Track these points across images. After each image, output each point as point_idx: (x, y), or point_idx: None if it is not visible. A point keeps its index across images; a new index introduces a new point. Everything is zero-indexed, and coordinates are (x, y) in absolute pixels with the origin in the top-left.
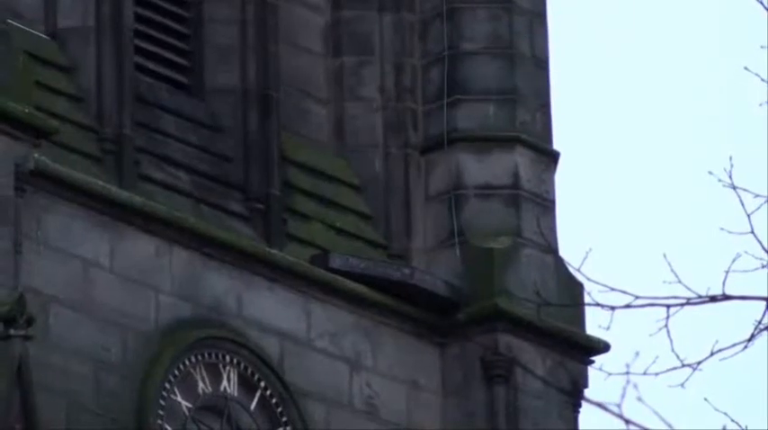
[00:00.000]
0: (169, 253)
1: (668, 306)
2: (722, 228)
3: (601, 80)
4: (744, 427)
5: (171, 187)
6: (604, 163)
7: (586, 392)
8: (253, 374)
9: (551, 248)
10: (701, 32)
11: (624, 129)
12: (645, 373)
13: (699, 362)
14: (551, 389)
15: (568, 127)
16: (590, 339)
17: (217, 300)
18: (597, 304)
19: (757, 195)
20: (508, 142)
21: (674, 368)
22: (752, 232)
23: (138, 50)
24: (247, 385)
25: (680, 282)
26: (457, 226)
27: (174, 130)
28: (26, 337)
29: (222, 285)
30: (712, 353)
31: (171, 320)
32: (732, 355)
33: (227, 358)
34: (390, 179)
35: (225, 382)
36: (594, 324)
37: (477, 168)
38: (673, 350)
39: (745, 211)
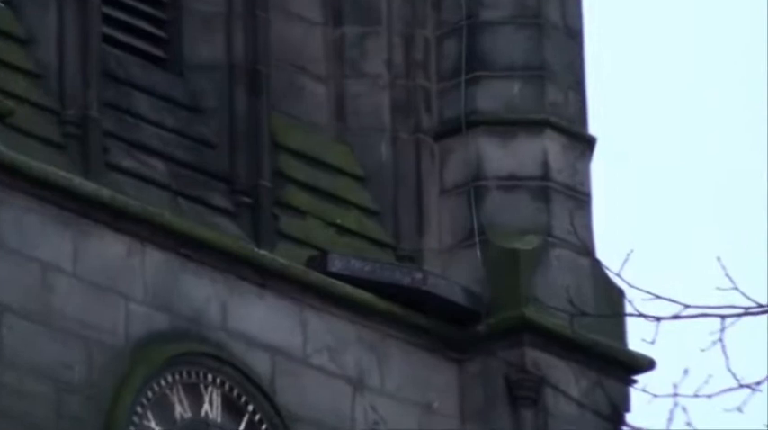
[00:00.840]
0: (142, 254)
1: (723, 316)
2: None
3: (644, 54)
4: None
5: (144, 178)
6: (648, 150)
7: (628, 417)
8: (239, 396)
9: (587, 249)
10: (756, 4)
11: (671, 112)
12: (696, 395)
13: (758, 382)
14: (587, 413)
15: (606, 108)
16: (632, 355)
17: (197, 309)
18: (640, 314)
19: None
20: (536, 126)
21: (730, 389)
22: None
23: (107, 19)
24: (232, 408)
25: (736, 288)
26: (477, 223)
27: (147, 112)
28: None
29: (203, 292)
30: None
31: (144, 333)
32: None
33: (209, 377)
34: (399, 168)
35: (206, 405)
36: (637, 337)
37: (501, 156)
38: (728, 368)
39: None
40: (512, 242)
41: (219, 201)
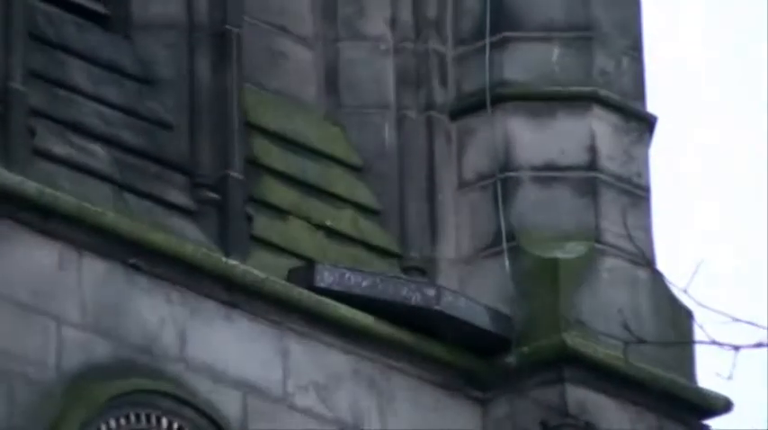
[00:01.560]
0: (78, 264)
1: None
2: None
3: (718, 11)
4: None
5: (81, 168)
6: (722, 133)
7: None
8: None
9: (645, 259)
10: None
11: (749, 84)
12: None
13: None
14: None
15: (669, 80)
16: (703, 394)
17: (149, 334)
18: (714, 342)
19: None
20: (581, 101)
21: None
22: None
23: None
24: None
25: None
26: (505, 225)
27: (85, 84)
28: None
29: (157, 313)
30: None
31: (80, 366)
32: None
33: (164, 422)
34: (406, 156)
35: None
36: (710, 371)
37: (535, 140)
38: None
39: None
40: (550, 250)
41: (177, 197)
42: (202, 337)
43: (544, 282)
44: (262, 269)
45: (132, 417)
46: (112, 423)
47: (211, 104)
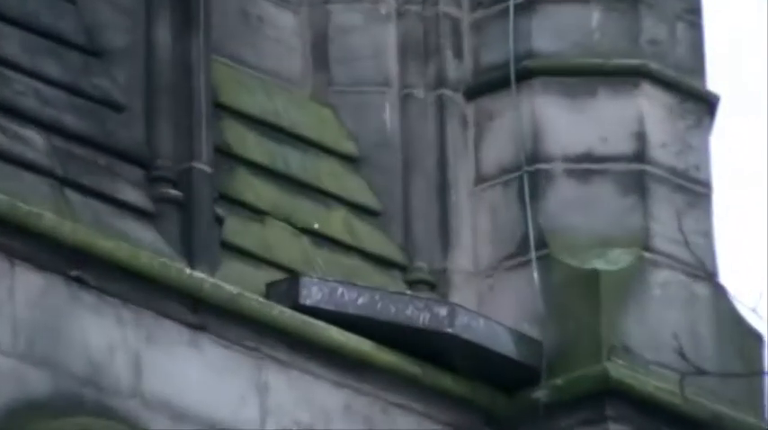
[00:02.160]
0: (10, 278)
1: None
2: None
3: None
4: None
5: (14, 159)
6: None
7: None
8: None
9: (706, 271)
10: None
11: None
12: None
13: None
14: None
15: (735, 52)
16: None
17: (96, 363)
18: None
19: None
20: (626, 77)
21: None
22: None
23: None
24: None
25: None
26: (534, 229)
27: (20, 56)
28: None
29: (106, 337)
30: None
31: (12, 401)
32: None
33: None
34: (412, 144)
35: None
36: None
37: (570, 124)
38: None
39: None
40: (588, 259)
41: (131, 194)
42: (161, 367)
43: (582, 298)
44: (234, 283)
45: None
46: None
47: (173, 81)
